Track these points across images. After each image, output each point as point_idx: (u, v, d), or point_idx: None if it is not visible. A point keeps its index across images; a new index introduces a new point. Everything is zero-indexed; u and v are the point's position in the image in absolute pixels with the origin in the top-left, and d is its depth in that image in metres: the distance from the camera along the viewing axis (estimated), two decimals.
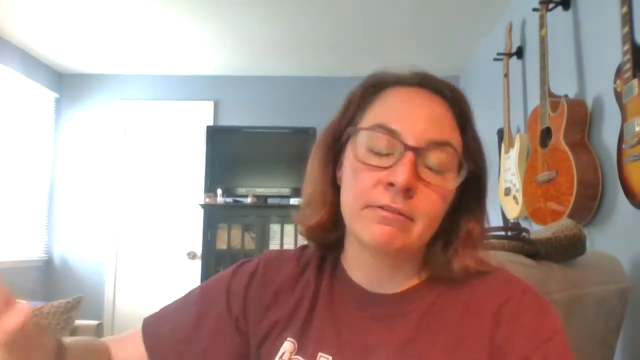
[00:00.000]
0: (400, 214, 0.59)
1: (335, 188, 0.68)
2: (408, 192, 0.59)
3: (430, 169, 0.61)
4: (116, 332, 3.80)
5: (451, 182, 0.62)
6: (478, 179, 0.66)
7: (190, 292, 0.77)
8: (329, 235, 0.70)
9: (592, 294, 1.07)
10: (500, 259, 0.94)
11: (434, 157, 0.61)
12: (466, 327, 0.62)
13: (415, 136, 0.61)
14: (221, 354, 0.71)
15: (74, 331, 2.19)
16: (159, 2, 2.92)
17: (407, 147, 0.60)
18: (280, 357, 0.66)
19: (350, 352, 0.64)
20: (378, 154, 0.62)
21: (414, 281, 0.67)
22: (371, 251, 0.64)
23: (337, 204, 0.67)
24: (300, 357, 0.65)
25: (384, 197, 0.60)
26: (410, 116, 0.62)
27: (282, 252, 0.77)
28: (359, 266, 0.68)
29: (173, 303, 0.77)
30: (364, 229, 0.61)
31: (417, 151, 0.60)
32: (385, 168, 0.60)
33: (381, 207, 0.60)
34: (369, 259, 0.66)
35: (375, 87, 0.67)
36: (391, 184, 0.59)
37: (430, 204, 0.61)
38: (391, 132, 0.61)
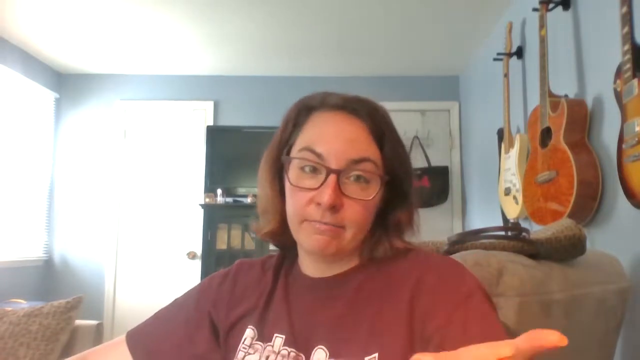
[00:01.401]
0: (331, 225, 0.71)
1: (284, 196, 0.78)
2: (334, 208, 0.71)
3: (354, 183, 0.73)
4: (116, 332, 3.80)
5: (372, 193, 0.73)
6: (401, 182, 0.77)
7: (169, 304, 0.90)
8: (280, 239, 0.83)
9: (592, 294, 1.07)
10: (500, 258, 0.94)
11: (356, 173, 0.73)
12: (389, 297, 0.72)
13: (337, 158, 0.72)
14: (196, 348, 0.82)
15: (74, 331, 2.19)
16: (159, 2, 2.93)
17: (329, 171, 0.71)
18: (243, 342, 0.78)
19: (299, 330, 0.75)
20: (308, 174, 0.73)
21: (351, 264, 0.79)
22: (312, 255, 0.77)
23: (285, 212, 0.78)
24: (260, 342, 0.77)
25: (316, 213, 0.72)
26: (332, 140, 0.73)
27: (252, 259, 0.90)
28: (306, 260, 0.81)
29: (152, 315, 0.90)
30: (305, 239, 0.74)
31: (339, 172, 0.71)
32: (315, 189, 0.72)
33: (315, 221, 0.72)
34: (311, 256, 0.79)
35: (306, 110, 0.78)
36: (319, 204, 0.71)
37: (356, 213, 0.73)
38: (317, 156, 0.73)
